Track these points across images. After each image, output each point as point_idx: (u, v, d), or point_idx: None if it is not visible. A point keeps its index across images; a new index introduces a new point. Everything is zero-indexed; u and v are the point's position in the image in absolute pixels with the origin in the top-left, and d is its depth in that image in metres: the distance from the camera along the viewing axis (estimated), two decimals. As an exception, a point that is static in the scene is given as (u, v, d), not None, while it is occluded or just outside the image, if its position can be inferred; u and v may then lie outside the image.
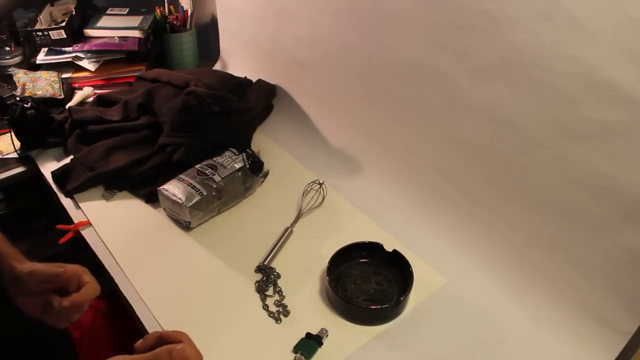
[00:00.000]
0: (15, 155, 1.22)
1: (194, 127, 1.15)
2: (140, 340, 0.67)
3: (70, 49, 1.46)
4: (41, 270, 0.74)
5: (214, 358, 0.83)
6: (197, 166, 1.08)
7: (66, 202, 1.11)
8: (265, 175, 1.16)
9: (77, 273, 0.75)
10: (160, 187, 1.04)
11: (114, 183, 1.13)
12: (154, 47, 1.54)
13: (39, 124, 1.19)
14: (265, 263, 0.97)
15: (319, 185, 1.13)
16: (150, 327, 0.87)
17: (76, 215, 1.08)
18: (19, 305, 0.75)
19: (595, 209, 0.80)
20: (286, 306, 0.90)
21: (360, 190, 1.14)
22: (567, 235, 0.85)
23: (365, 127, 1.17)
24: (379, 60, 1.07)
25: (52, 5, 1.52)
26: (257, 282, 0.94)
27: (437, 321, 0.88)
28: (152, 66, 1.48)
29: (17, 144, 1.21)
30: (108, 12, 1.57)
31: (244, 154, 1.11)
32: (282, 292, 0.92)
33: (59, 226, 1.06)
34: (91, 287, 0.75)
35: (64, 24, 1.45)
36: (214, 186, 1.04)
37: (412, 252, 0.98)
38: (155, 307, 0.90)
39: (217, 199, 1.05)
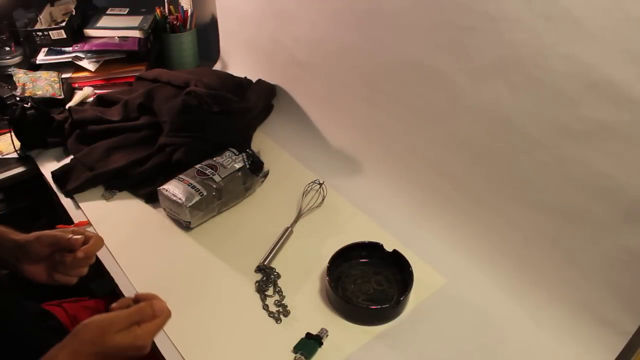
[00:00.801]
0: (15, 155, 1.22)
1: (194, 127, 1.15)
2: (116, 303, 0.70)
3: (70, 49, 1.46)
4: (49, 234, 0.81)
5: (214, 357, 0.83)
6: (197, 166, 1.08)
7: (66, 202, 1.11)
8: (265, 175, 1.16)
9: (80, 232, 0.82)
10: (160, 187, 1.04)
11: (114, 183, 1.13)
12: (154, 47, 1.55)
13: (39, 124, 1.19)
14: (265, 263, 0.97)
15: (319, 185, 1.13)
16: (150, 327, 0.87)
17: (76, 215, 1.08)
18: (25, 272, 0.81)
19: (595, 209, 0.80)
20: (286, 306, 0.90)
21: (360, 190, 1.14)
22: (567, 235, 0.85)
23: (365, 127, 1.17)
24: (379, 60, 1.07)
25: (52, 5, 1.52)
26: (257, 282, 0.94)
27: (437, 321, 0.88)
28: (152, 66, 1.48)
29: (17, 144, 1.21)
30: (108, 12, 1.57)
31: (244, 154, 1.11)
32: (282, 292, 0.92)
33: (59, 226, 1.05)
34: (98, 239, 0.82)
35: (64, 24, 1.45)
36: (214, 186, 1.04)
37: (412, 252, 0.98)
38: (155, 307, 0.90)
39: (217, 199, 1.05)
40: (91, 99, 1.39)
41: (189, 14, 1.49)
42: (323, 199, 1.11)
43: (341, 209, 1.10)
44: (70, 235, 0.80)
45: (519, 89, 0.84)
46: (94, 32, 1.49)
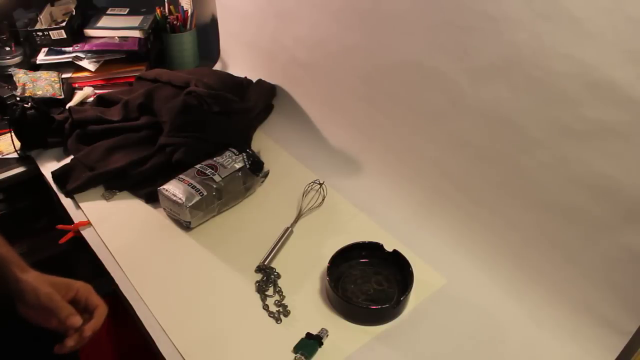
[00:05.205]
0: (15, 155, 1.22)
1: (194, 127, 1.15)
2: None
3: (70, 49, 1.46)
4: (46, 297, 0.72)
5: (214, 357, 0.83)
6: (197, 166, 1.08)
7: (66, 202, 1.11)
8: (265, 175, 1.16)
9: (84, 296, 0.75)
10: (161, 187, 1.04)
11: (114, 183, 1.13)
12: (154, 47, 1.55)
13: (39, 124, 1.19)
14: (265, 263, 0.97)
15: (319, 185, 1.13)
16: (151, 327, 0.87)
17: (76, 215, 1.08)
18: (22, 313, 0.74)
19: (595, 209, 0.80)
20: (286, 306, 0.90)
21: (360, 190, 1.14)
22: (567, 235, 0.85)
23: (366, 127, 1.17)
24: (379, 60, 1.07)
25: (52, 5, 1.52)
26: (257, 282, 0.94)
27: (437, 321, 0.88)
28: (152, 66, 1.48)
29: (17, 144, 1.21)
30: (108, 12, 1.57)
31: (244, 154, 1.11)
32: (282, 292, 0.92)
33: (59, 226, 1.06)
34: (102, 310, 0.76)
35: (64, 24, 1.45)
36: (214, 186, 1.04)
37: (412, 252, 0.98)
38: (155, 306, 0.90)
39: (217, 199, 1.05)
40: (91, 99, 1.40)
41: (189, 14, 1.49)
42: (323, 199, 1.11)
43: (341, 209, 1.10)
44: (68, 317, 0.72)
45: (520, 89, 0.84)
46: (94, 32, 1.49)
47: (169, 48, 1.53)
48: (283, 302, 0.90)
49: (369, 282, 0.93)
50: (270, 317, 0.88)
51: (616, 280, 0.80)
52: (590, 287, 0.83)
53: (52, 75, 1.39)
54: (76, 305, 0.74)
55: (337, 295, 0.88)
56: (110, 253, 0.99)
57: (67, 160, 1.19)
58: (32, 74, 1.38)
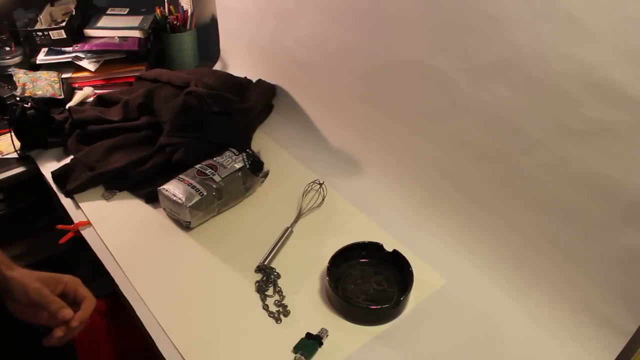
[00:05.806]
0: (15, 155, 1.22)
1: (194, 127, 1.15)
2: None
3: (70, 49, 1.46)
4: (35, 294, 0.72)
5: (214, 357, 0.83)
6: (197, 166, 1.08)
7: (66, 202, 1.11)
8: (265, 175, 1.16)
9: (73, 289, 0.75)
10: (160, 187, 1.04)
11: (114, 183, 1.13)
12: (154, 47, 1.55)
13: (39, 124, 1.19)
14: (265, 263, 0.97)
15: (319, 185, 1.13)
16: (150, 327, 0.87)
17: (76, 215, 1.08)
18: (11, 310, 0.73)
19: (595, 209, 0.80)
20: (286, 306, 0.90)
21: (360, 190, 1.14)
22: (567, 235, 0.85)
23: (366, 127, 1.17)
24: (379, 60, 1.07)
25: (52, 5, 1.52)
26: (257, 282, 0.94)
27: (437, 321, 0.88)
28: (152, 66, 1.48)
29: (17, 144, 1.21)
30: (108, 12, 1.57)
31: (244, 154, 1.11)
32: (282, 292, 0.92)
33: (59, 226, 1.06)
34: (90, 302, 0.75)
35: (64, 24, 1.45)
36: (214, 186, 1.04)
37: (412, 252, 0.98)
38: (155, 306, 0.90)
39: (217, 199, 1.05)
40: (91, 99, 1.40)
41: (189, 14, 1.49)
42: (323, 199, 1.11)
43: (341, 209, 1.10)
44: (58, 310, 0.71)
45: (519, 89, 0.84)
46: (94, 32, 1.49)
47: (169, 48, 1.53)
48: (283, 302, 0.90)
49: (369, 282, 0.93)
50: (270, 317, 0.88)
51: (616, 280, 0.80)
52: (590, 287, 0.83)
53: (52, 75, 1.39)
54: (65, 298, 0.74)
55: (337, 295, 0.88)
56: (110, 253, 0.99)
57: (67, 160, 1.19)
58: (32, 74, 1.38)
